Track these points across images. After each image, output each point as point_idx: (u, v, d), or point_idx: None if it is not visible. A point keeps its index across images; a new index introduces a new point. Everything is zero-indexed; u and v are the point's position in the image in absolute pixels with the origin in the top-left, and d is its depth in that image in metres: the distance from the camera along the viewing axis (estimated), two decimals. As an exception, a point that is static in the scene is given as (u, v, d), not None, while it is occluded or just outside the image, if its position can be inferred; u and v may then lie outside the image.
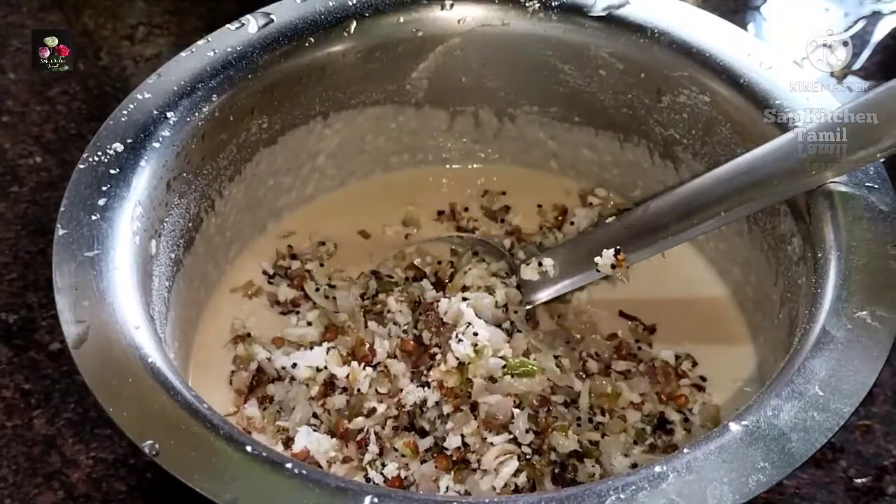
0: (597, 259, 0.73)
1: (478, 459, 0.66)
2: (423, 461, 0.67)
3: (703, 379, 0.73)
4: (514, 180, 0.86)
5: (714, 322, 0.77)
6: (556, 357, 0.72)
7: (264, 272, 0.80)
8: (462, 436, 0.67)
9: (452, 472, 0.65)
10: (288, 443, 0.68)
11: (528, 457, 0.66)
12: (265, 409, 0.71)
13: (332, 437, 0.68)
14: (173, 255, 0.70)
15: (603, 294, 0.78)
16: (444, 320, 0.71)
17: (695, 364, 0.74)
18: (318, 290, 0.78)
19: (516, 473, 0.65)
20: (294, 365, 0.72)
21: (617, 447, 0.68)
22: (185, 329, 0.73)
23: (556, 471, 0.66)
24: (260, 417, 0.70)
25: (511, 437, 0.67)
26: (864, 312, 0.58)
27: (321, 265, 0.80)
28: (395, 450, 0.67)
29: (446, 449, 0.67)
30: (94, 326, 0.57)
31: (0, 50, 1.05)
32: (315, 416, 0.70)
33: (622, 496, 0.50)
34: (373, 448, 0.67)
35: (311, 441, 0.67)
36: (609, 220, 0.81)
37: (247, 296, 0.78)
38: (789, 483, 0.70)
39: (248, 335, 0.75)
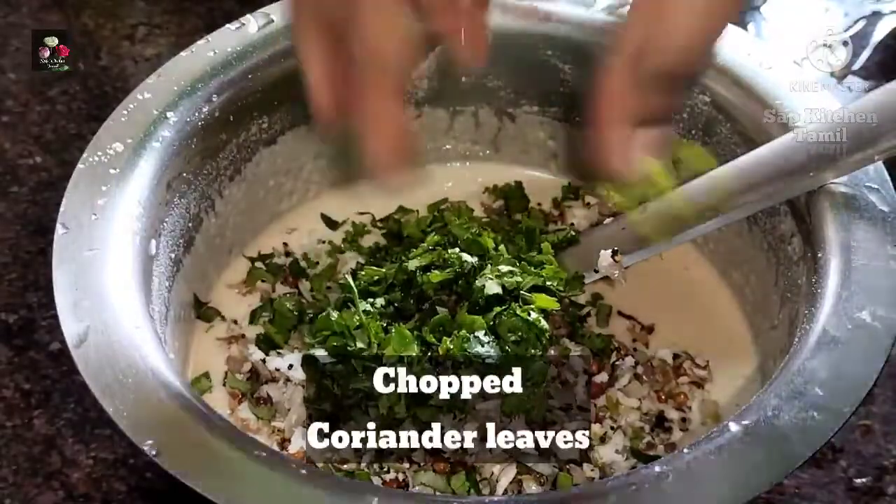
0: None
1: (475, 465, 0.66)
2: (420, 464, 0.67)
3: (703, 378, 0.73)
4: (514, 180, 0.86)
5: (714, 322, 0.77)
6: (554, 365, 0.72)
7: (257, 268, 0.80)
8: (462, 439, 0.67)
9: (451, 478, 0.66)
10: (284, 444, 0.68)
11: (526, 463, 0.66)
12: (260, 411, 0.71)
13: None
14: (173, 255, 0.70)
15: (600, 294, 0.78)
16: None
17: (694, 362, 0.74)
18: (311, 289, 0.78)
19: (515, 479, 0.65)
20: (290, 366, 0.72)
21: (615, 446, 0.68)
22: (184, 329, 0.73)
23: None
24: (254, 419, 0.70)
25: (510, 440, 0.67)
26: (864, 312, 0.58)
27: (317, 263, 0.80)
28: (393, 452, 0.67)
29: (444, 453, 0.67)
30: (94, 326, 0.57)
31: (0, 50, 1.05)
32: (311, 417, 0.70)
33: (622, 496, 0.50)
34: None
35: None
36: (607, 220, 0.81)
37: (241, 293, 0.78)
38: (789, 483, 0.70)
39: (243, 336, 0.75)
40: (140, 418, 0.54)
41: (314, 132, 0.80)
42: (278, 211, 0.83)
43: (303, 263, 0.80)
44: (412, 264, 0.71)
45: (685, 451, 0.53)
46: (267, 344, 0.74)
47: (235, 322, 0.76)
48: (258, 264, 0.80)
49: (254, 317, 0.76)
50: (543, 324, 0.68)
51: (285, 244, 0.82)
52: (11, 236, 0.87)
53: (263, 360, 0.73)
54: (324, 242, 0.82)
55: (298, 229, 0.83)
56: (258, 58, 0.74)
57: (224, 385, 0.72)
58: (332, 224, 0.84)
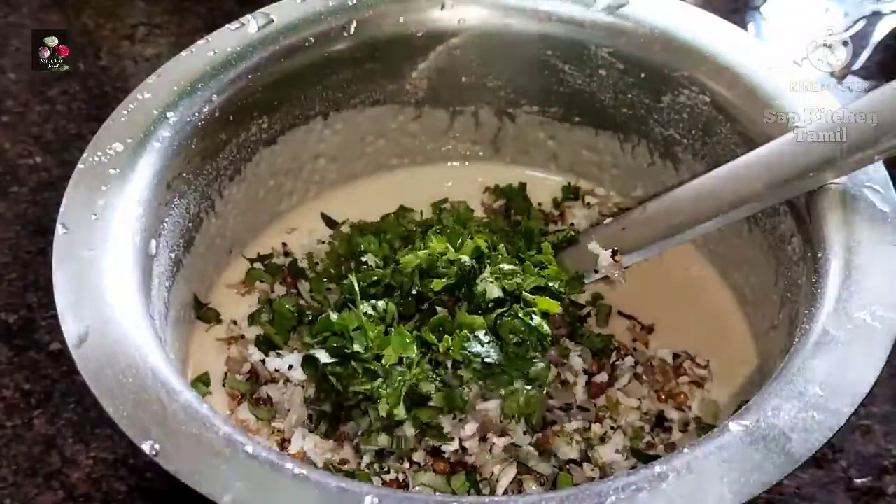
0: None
1: (475, 465, 0.66)
2: (420, 464, 0.67)
3: (703, 377, 0.73)
4: (514, 180, 0.86)
5: (714, 322, 0.77)
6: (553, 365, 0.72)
7: (255, 268, 0.79)
8: (461, 439, 0.67)
9: (451, 478, 0.66)
10: (283, 445, 0.68)
11: (526, 462, 0.66)
12: (260, 411, 0.71)
13: (327, 440, 0.68)
14: (173, 255, 0.70)
15: (600, 294, 0.78)
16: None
17: (694, 362, 0.74)
18: (310, 290, 0.77)
19: (515, 479, 0.65)
20: (290, 367, 0.71)
21: (615, 446, 0.68)
22: (184, 329, 0.73)
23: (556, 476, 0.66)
24: (254, 420, 0.70)
25: (510, 440, 0.67)
26: (864, 312, 0.58)
27: (317, 263, 0.80)
28: (392, 453, 0.67)
29: (444, 453, 0.67)
30: (94, 326, 0.57)
31: (0, 50, 1.05)
32: (310, 418, 0.70)
33: (622, 496, 0.50)
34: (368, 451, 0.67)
35: (307, 443, 0.67)
36: (607, 220, 0.81)
37: (240, 294, 0.78)
38: (789, 483, 0.70)
39: (242, 336, 0.75)
40: (140, 418, 0.54)
41: (314, 132, 0.81)
42: (278, 211, 0.83)
43: (302, 264, 0.80)
44: (408, 262, 0.70)
45: (685, 451, 0.53)
46: (266, 345, 0.74)
47: (235, 322, 0.76)
48: (256, 265, 0.80)
49: (253, 319, 0.76)
50: (546, 328, 0.68)
51: (284, 244, 0.82)
52: (11, 236, 0.87)
53: (263, 361, 0.73)
54: (323, 242, 0.82)
55: (298, 229, 0.83)
56: (258, 58, 0.74)
57: (224, 386, 0.72)
58: (332, 224, 0.84)
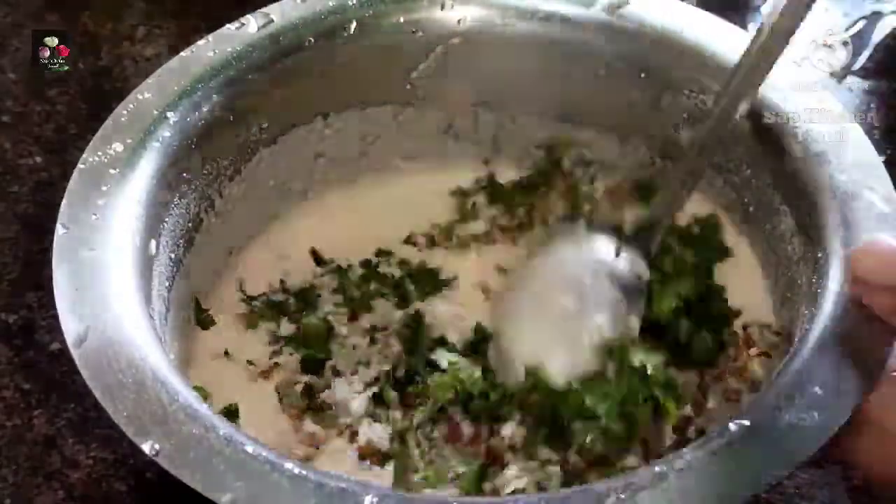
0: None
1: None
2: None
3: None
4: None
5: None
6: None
7: (257, 307, 0.77)
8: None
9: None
10: (353, 437, 0.69)
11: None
12: (324, 417, 0.70)
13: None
14: (173, 255, 0.70)
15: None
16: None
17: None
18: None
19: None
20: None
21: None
22: (184, 330, 0.73)
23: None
24: (320, 429, 0.70)
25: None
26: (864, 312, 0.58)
27: (318, 296, 0.77)
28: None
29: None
30: (94, 326, 0.57)
31: (0, 50, 1.05)
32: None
33: (622, 496, 0.50)
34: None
35: (374, 433, 0.68)
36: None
37: (244, 327, 0.76)
38: (789, 483, 0.70)
39: (277, 364, 0.73)
40: (140, 418, 0.54)
41: (314, 132, 0.81)
42: (278, 211, 0.83)
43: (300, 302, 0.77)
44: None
45: (685, 451, 0.53)
46: (314, 365, 0.73)
47: (251, 363, 0.74)
48: (256, 303, 0.77)
49: (273, 355, 0.74)
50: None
51: (282, 281, 0.79)
52: (11, 236, 0.87)
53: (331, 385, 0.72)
54: (315, 281, 0.79)
55: (300, 233, 0.81)
56: (258, 58, 0.74)
57: (282, 412, 0.71)
58: (320, 260, 0.81)
